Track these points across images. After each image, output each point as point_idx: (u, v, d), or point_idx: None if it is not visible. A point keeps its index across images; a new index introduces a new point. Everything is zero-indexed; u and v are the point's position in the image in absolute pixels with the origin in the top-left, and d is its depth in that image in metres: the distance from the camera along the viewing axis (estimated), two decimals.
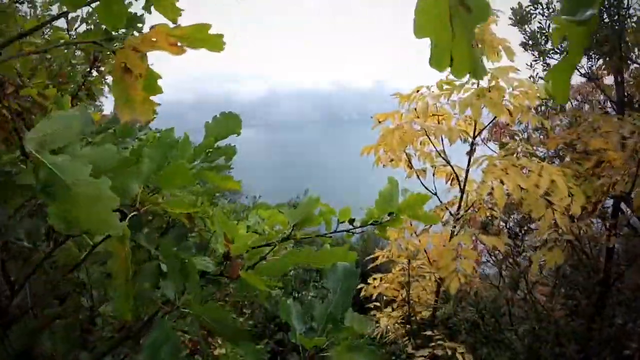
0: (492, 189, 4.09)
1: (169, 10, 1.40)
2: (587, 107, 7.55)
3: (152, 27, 1.27)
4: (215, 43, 1.31)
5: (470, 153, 4.80)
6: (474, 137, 4.65)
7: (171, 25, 1.28)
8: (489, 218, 5.76)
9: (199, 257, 1.87)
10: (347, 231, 2.21)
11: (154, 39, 1.25)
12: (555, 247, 4.66)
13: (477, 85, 4.47)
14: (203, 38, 1.29)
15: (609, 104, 7.41)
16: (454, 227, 4.84)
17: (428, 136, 4.74)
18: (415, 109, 4.53)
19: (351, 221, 2.13)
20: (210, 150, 2.11)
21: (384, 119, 4.89)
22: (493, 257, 6.07)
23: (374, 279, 5.99)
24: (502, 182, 4.06)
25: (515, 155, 4.64)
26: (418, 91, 4.90)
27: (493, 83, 4.08)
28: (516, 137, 7.60)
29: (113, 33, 1.62)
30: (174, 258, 1.61)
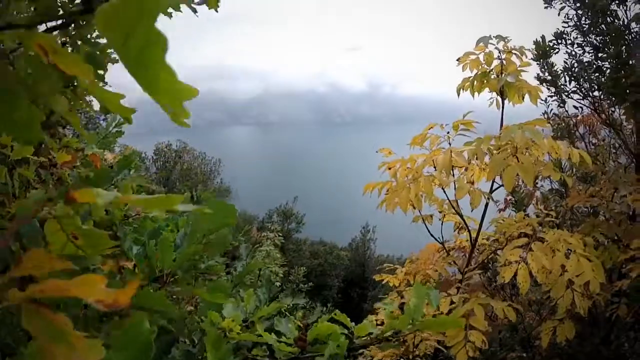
0: (516, 272, 3.68)
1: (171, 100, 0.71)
2: (598, 143, 7.23)
3: None
4: None
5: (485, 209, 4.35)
6: (491, 193, 4.19)
7: None
8: (488, 259, 5.38)
9: None
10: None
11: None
12: (566, 319, 4.28)
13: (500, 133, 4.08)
14: None
15: (618, 145, 7.13)
16: (459, 287, 4.39)
17: (443, 190, 4.29)
18: (434, 160, 4.06)
19: (369, 334, 1.85)
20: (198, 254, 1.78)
21: (393, 165, 4.41)
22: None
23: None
24: (524, 260, 3.70)
25: (539, 223, 4.26)
26: (430, 128, 4.47)
27: (523, 142, 3.59)
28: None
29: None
30: None
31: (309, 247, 28.48)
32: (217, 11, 2.33)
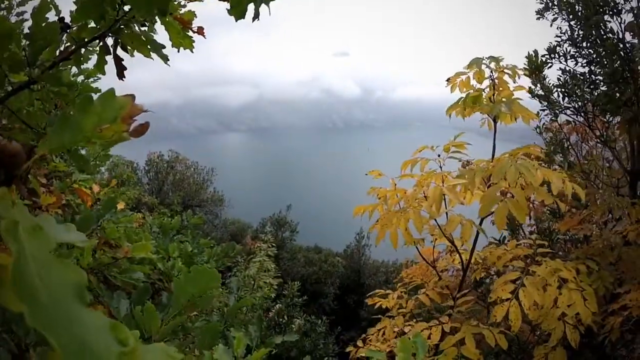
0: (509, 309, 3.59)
1: None
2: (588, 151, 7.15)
3: None
4: None
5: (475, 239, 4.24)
6: (480, 224, 4.07)
7: None
8: (482, 278, 5.29)
9: None
10: None
11: None
12: (559, 346, 4.17)
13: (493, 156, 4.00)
14: None
15: (611, 159, 7.07)
16: (451, 313, 4.28)
17: (436, 221, 4.18)
18: (425, 194, 3.94)
19: None
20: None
21: (383, 195, 4.30)
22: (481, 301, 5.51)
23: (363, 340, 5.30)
24: (516, 296, 3.61)
25: (533, 254, 4.17)
26: (420, 151, 4.34)
27: (515, 178, 3.44)
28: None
29: None
30: None
31: (304, 254, 28.33)
32: (192, 51, 2.35)
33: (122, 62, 2.36)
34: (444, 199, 3.91)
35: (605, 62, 5.85)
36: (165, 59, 2.32)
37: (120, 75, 2.42)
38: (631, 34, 5.75)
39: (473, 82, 4.36)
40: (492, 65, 4.36)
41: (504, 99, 4.15)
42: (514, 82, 4.36)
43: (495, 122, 4.27)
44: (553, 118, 6.77)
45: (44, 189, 2.75)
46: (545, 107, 6.64)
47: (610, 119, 6.16)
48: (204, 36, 2.45)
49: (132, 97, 0.72)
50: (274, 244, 16.78)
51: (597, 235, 4.93)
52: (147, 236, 3.32)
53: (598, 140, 6.41)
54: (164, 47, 2.30)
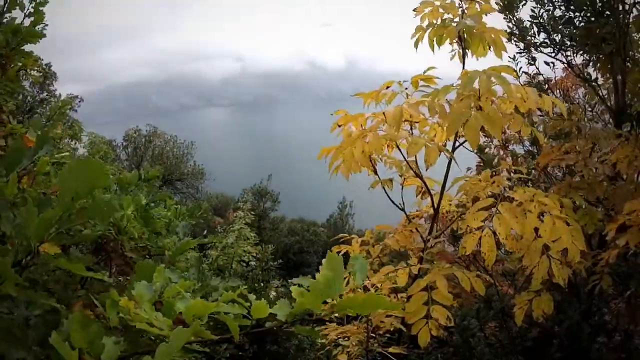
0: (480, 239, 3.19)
1: None
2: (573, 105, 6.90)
3: None
4: None
5: (447, 168, 3.88)
6: (454, 150, 3.73)
7: None
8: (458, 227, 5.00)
9: None
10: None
11: None
12: (544, 291, 3.83)
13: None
14: None
15: (594, 103, 6.83)
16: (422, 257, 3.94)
17: (399, 148, 3.82)
18: (384, 114, 3.58)
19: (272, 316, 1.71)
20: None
21: (344, 123, 3.94)
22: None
23: None
24: (490, 225, 3.21)
25: (508, 179, 3.83)
26: (388, 87, 3.97)
27: (487, 87, 3.10)
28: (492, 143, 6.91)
29: None
30: None
31: (287, 225, 28.45)
32: None
33: None
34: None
35: None
36: None
37: None
38: None
39: (442, 12, 4.01)
40: None
41: (469, 17, 3.81)
42: (485, 15, 4.00)
43: (464, 49, 3.92)
44: (531, 62, 6.48)
45: None
46: (521, 50, 6.34)
47: (590, 55, 5.84)
48: None
49: None
50: (252, 212, 16.62)
51: (581, 165, 4.52)
52: None
53: (578, 77, 6.08)
54: None
